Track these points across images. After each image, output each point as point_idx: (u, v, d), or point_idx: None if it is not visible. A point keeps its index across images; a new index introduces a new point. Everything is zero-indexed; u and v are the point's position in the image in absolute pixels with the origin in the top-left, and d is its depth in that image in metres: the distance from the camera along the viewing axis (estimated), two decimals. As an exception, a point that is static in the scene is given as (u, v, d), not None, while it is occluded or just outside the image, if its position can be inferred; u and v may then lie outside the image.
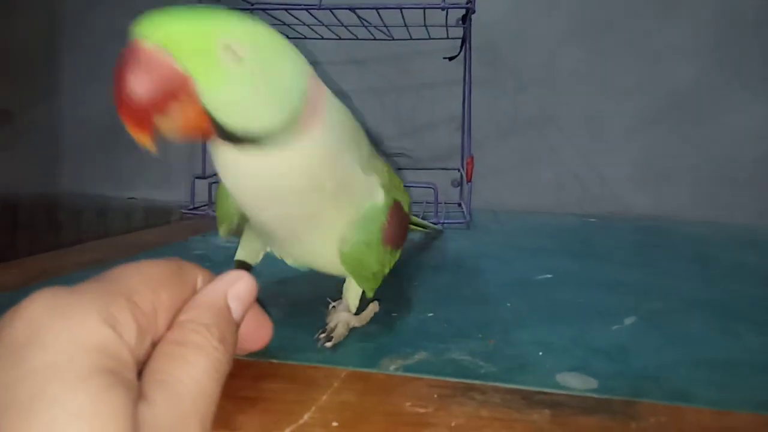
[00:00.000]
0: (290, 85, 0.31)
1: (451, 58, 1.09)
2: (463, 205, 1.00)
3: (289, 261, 0.43)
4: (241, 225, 0.44)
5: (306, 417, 0.29)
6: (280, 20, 0.98)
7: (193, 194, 0.94)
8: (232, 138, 0.31)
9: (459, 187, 1.13)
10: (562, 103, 1.12)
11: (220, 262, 0.60)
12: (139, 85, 0.27)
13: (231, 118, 0.30)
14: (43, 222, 1.32)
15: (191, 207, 0.93)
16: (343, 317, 0.41)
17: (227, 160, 0.33)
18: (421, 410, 0.30)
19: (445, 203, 1.04)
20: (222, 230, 0.43)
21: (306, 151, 0.32)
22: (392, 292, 0.51)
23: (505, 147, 1.14)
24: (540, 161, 1.13)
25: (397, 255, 0.43)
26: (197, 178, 0.95)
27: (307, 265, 0.43)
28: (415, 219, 0.66)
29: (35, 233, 1.32)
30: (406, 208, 0.43)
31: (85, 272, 0.56)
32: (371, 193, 0.38)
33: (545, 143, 1.14)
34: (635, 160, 1.10)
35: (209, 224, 0.83)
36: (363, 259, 0.38)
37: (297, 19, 0.98)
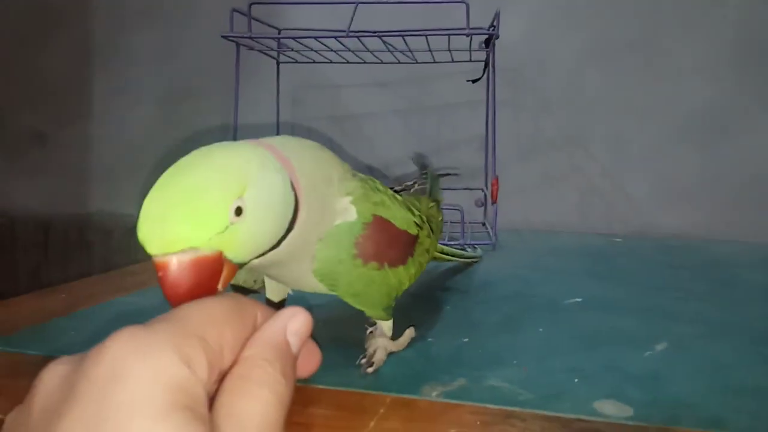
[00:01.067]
0: (284, 208, 0.32)
1: (474, 81, 1.11)
2: (487, 226, 1.02)
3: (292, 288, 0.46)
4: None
5: (357, 443, 0.30)
6: (308, 47, 1.01)
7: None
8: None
9: (482, 207, 1.14)
10: (585, 123, 1.14)
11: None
12: (187, 290, 0.27)
13: (255, 250, 0.31)
14: (74, 241, 1.35)
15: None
16: (380, 342, 0.42)
17: None
18: (466, 437, 0.31)
19: (469, 223, 1.05)
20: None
21: (295, 234, 0.34)
22: (426, 316, 0.53)
23: (528, 166, 1.16)
24: (564, 180, 1.14)
25: (401, 273, 0.42)
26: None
27: (311, 291, 0.43)
28: (449, 250, 0.66)
29: (67, 252, 1.35)
30: (401, 224, 0.42)
31: (129, 297, 0.59)
32: (344, 213, 0.39)
33: (568, 162, 1.15)
34: (659, 179, 1.10)
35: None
36: (336, 274, 0.38)
37: (324, 45, 1.00)
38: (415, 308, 0.57)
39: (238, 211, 0.29)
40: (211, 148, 0.31)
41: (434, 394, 0.37)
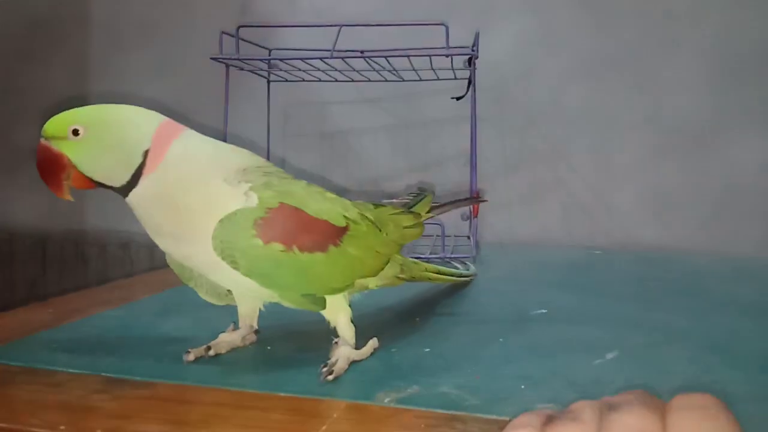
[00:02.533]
0: (126, 147, 0.43)
1: (458, 98, 1.14)
2: (470, 239, 1.04)
3: (214, 300, 0.52)
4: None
5: (306, 444, 0.33)
6: (296, 67, 1.04)
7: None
8: (107, 187, 0.45)
9: (468, 221, 1.17)
10: (569, 138, 1.16)
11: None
12: (40, 165, 0.44)
13: (93, 174, 0.44)
14: (71, 256, 1.38)
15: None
16: (344, 352, 0.45)
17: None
18: (408, 438, 0.34)
19: (455, 236, 1.08)
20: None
21: (148, 187, 0.43)
22: (394, 328, 0.55)
23: (513, 181, 1.19)
24: (548, 194, 1.17)
25: (320, 260, 0.44)
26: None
27: (229, 282, 0.48)
28: (444, 269, 0.67)
29: (64, 266, 1.38)
30: (316, 213, 0.45)
31: (115, 311, 0.61)
32: (245, 200, 0.43)
33: (552, 176, 1.17)
34: (640, 192, 1.13)
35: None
36: (233, 251, 0.42)
37: (312, 65, 1.04)
38: (385, 320, 0.60)
39: (75, 133, 0.43)
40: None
41: (387, 400, 0.39)
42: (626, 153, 1.14)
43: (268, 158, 1.20)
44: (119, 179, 0.44)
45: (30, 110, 1.40)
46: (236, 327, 0.52)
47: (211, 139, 0.48)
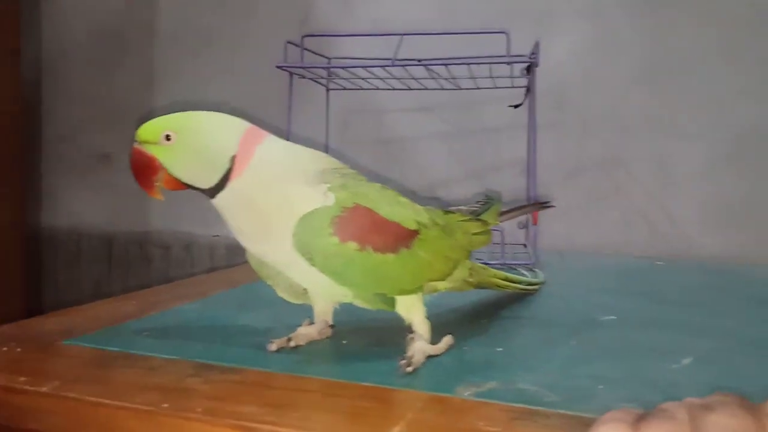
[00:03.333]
0: (215, 152, 0.46)
1: (516, 106, 1.15)
2: (528, 247, 1.04)
3: (291, 298, 0.53)
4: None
5: (395, 430, 0.34)
6: (356, 75, 1.07)
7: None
8: (197, 189, 0.47)
9: (524, 229, 1.17)
10: (629, 145, 1.15)
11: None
12: (134, 166, 0.48)
13: (183, 177, 0.47)
14: (135, 256, 1.44)
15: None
16: (420, 347, 0.47)
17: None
18: (492, 429, 0.35)
19: (511, 244, 1.08)
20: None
21: (234, 189, 0.46)
22: (463, 328, 0.56)
23: (572, 188, 1.18)
24: (607, 202, 1.16)
25: (392, 262, 0.46)
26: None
27: (305, 280, 0.50)
28: (512, 276, 0.67)
29: (128, 266, 1.44)
30: (388, 215, 0.46)
31: (191, 304, 0.64)
32: (324, 199, 0.45)
33: (612, 184, 1.16)
34: (704, 202, 1.11)
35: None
36: (311, 247, 0.44)
37: (372, 74, 1.06)
38: (453, 321, 0.61)
39: (167, 138, 0.46)
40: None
41: (467, 393, 0.40)
42: (688, 161, 1.12)
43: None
44: (207, 182, 0.46)
45: (99, 117, 1.47)
46: (311, 322, 0.54)
47: (292, 143, 0.50)
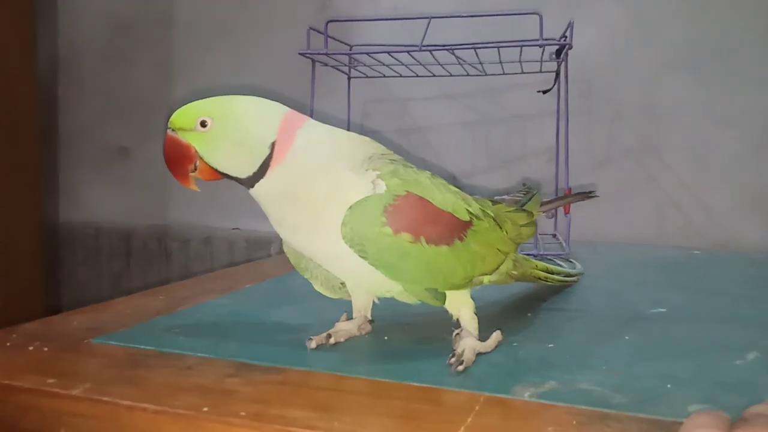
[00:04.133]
0: (254, 139, 0.43)
1: (545, 92, 1.11)
2: (559, 237, 1.01)
3: (328, 292, 0.51)
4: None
5: (458, 436, 0.32)
6: (379, 61, 1.03)
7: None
8: (234, 179, 0.45)
9: (553, 218, 1.14)
10: (662, 132, 1.11)
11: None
12: (167, 155, 0.45)
13: (220, 165, 0.44)
14: (154, 250, 1.42)
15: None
16: (468, 343, 0.44)
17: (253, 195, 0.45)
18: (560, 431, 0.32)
19: (539, 234, 1.05)
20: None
21: (275, 178, 0.43)
22: (509, 322, 0.54)
23: (601, 177, 1.14)
24: (638, 192, 1.12)
25: (446, 254, 0.43)
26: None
27: (349, 275, 0.47)
28: (553, 267, 0.64)
29: (147, 260, 1.42)
30: (442, 204, 0.43)
31: (221, 299, 0.62)
32: (374, 187, 0.42)
33: (644, 174, 1.13)
34: (739, 191, 1.07)
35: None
36: (363, 239, 0.41)
37: (396, 59, 1.03)
38: (497, 314, 0.58)
39: (203, 124, 0.43)
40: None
41: (527, 394, 0.37)
42: (723, 150, 1.08)
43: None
44: (246, 170, 0.43)
45: (116, 110, 1.45)
46: (349, 317, 0.51)
47: (333, 127, 0.47)
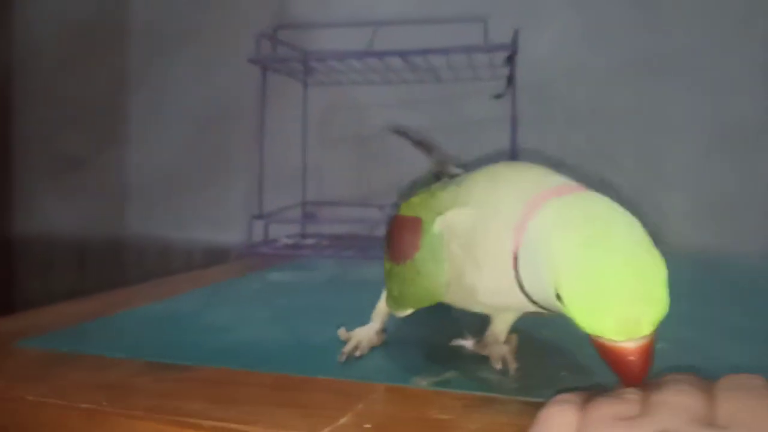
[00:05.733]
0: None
1: (498, 97, 1.13)
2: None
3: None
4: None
5: (342, 420, 0.33)
6: (332, 68, 1.05)
7: (251, 233, 1.00)
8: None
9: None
10: (616, 139, 1.13)
11: (277, 298, 0.66)
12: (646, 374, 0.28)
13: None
14: (109, 262, 1.40)
15: (249, 245, 1.00)
16: (501, 350, 0.43)
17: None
18: (446, 417, 0.34)
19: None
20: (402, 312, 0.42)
21: None
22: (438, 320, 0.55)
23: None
24: (593, 196, 1.15)
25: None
26: (255, 218, 1.02)
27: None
28: None
29: (102, 272, 1.40)
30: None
31: (155, 304, 0.63)
32: None
33: (598, 178, 1.15)
34: (693, 195, 1.09)
35: (265, 262, 0.89)
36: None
37: (348, 67, 1.05)
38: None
39: None
40: (599, 208, 0.32)
41: (424, 383, 0.39)
42: (676, 155, 1.10)
43: (304, 162, 1.22)
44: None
45: (72, 119, 1.44)
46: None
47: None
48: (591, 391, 0.29)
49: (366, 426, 0.33)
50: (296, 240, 1.10)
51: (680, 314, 0.56)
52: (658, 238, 0.95)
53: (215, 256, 1.28)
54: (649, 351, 0.28)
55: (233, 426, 0.33)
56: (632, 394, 0.27)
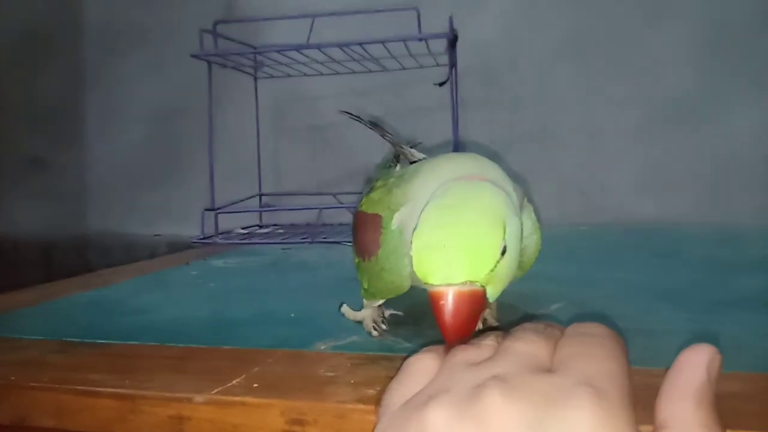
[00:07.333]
0: (519, 245, 0.35)
1: (441, 84, 1.15)
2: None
3: None
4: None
5: (234, 381, 0.35)
6: (277, 61, 1.07)
7: (203, 225, 1.01)
8: None
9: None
10: (560, 118, 1.16)
11: (212, 281, 0.67)
12: (464, 323, 0.30)
13: (497, 293, 0.34)
14: (75, 261, 1.41)
15: (201, 237, 1.01)
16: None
17: None
18: (331, 374, 0.36)
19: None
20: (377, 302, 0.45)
21: None
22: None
23: (504, 164, 1.19)
24: (540, 175, 1.17)
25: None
26: (207, 210, 1.03)
27: None
28: None
29: (69, 272, 1.41)
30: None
31: (90, 292, 0.64)
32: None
33: (544, 158, 1.18)
34: (637, 169, 1.12)
35: (213, 251, 0.91)
36: None
37: (292, 59, 1.06)
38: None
39: (503, 251, 0.31)
40: (465, 187, 0.34)
41: (323, 347, 0.41)
42: (617, 130, 1.13)
43: (258, 154, 1.23)
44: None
45: (28, 121, 1.44)
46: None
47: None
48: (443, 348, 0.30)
49: (254, 385, 0.34)
50: (251, 230, 1.11)
51: (589, 278, 0.60)
52: (603, 210, 0.98)
53: (179, 250, 1.29)
54: (464, 299, 0.30)
55: (128, 392, 0.35)
56: (490, 341, 0.28)
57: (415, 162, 0.50)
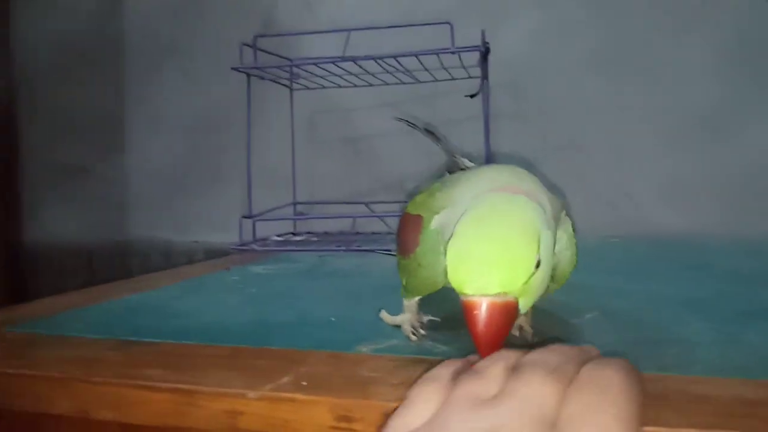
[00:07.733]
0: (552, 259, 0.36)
1: (473, 96, 1.17)
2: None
3: None
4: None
5: (284, 379, 0.37)
6: (313, 73, 1.10)
7: (241, 232, 1.04)
8: None
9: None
10: (588, 130, 1.18)
11: (253, 287, 0.70)
12: (496, 333, 0.31)
13: (529, 305, 0.34)
14: (115, 266, 1.46)
15: (240, 244, 1.04)
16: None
17: None
18: (374, 374, 0.37)
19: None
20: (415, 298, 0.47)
21: None
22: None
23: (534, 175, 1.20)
24: (569, 187, 1.18)
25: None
26: (244, 217, 1.06)
27: None
28: None
29: (109, 277, 1.46)
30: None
31: (138, 294, 0.67)
32: None
33: (573, 169, 1.19)
34: (664, 180, 1.13)
35: (251, 257, 0.93)
36: None
37: (328, 71, 1.09)
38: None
39: (537, 264, 0.32)
40: (500, 199, 0.36)
41: (364, 349, 0.43)
42: (644, 142, 1.14)
43: (293, 163, 1.26)
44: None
45: (70, 129, 1.50)
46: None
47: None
48: (466, 360, 0.31)
49: (303, 383, 0.36)
50: (286, 237, 1.14)
51: (620, 288, 0.61)
52: (631, 222, 0.99)
53: (216, 257, 1.33)
54: (498, 309, 0.31)
55: (184, 387, 0.37)
56: (496, 369, 0.28)
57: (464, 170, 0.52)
